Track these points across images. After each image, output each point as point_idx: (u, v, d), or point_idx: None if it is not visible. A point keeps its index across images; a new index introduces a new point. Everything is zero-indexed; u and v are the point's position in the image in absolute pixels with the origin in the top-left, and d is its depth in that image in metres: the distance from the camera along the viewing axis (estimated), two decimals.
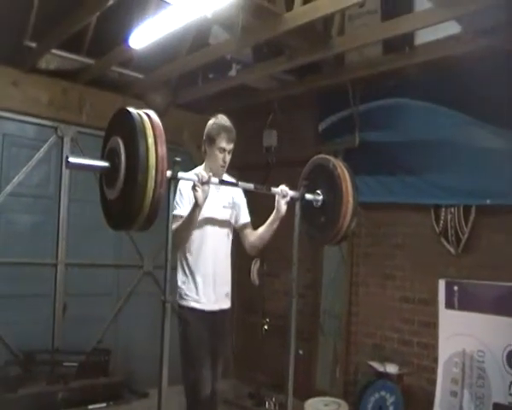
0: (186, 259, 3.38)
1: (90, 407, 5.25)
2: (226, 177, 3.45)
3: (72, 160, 2.47)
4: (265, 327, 5.31)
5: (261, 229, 3.46)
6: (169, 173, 2.51)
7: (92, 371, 5.45)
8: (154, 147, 2.32)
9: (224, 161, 3.37)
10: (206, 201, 3.14)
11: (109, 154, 2.47)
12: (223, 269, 3.48)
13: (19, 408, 4.85)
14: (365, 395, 5.03)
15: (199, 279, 3.35)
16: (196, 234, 3.31)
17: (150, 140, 2.33)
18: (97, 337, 5.80)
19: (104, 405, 5.36)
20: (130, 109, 2.44)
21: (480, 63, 4.37)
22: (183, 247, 3.35)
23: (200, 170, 3.30)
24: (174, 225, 3.05)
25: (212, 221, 3.35)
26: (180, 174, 2.66)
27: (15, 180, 5.34)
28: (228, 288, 3.53)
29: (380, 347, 5.40)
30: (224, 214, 3.45)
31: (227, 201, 3.47)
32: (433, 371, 4.71)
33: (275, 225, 3.38)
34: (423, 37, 4.46)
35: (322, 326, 6.06)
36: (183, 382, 3.33)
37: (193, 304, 3.35)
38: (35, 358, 5.16)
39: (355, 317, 5.69)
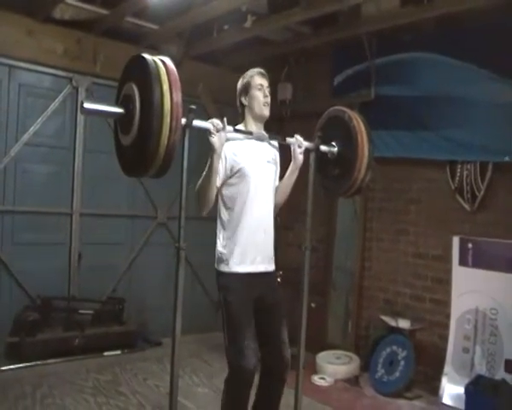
0: (228, 215, 3.13)
1: (106, 353, 5.39)
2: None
3: (87, 105, 2.45)
4: (278, 280, 5.31)
5: (281, 184, 3.34)
6: (184, 121, 2.49)
7: (107, 319, 5.58)
8: (169, 93, 2.30)
9: (266, 96, 3.24)
10: (250, 154, 3.10)
11: (124, 100, 2.45)
12: (269, 230, 3.22)
13: (38, 351, 5.01)
14: (377, 349, 5.09)
15: (244, 239, 3.09)
16: (241, 189, 3.09)
17: (165, 86, 2.30)
18: (112, 286, 5.89)
19: (119, 352, 5.49)
20: (145, 55, 2.41)
21: (499, 16, 4.28)
22: (224, 205, 3.15)
23: (241, 127, 3.22)
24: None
25: (256, 176, 3.13)
26: (195, 122, 2.63)
27: (31, 130, 5.35)
28: (272, 251, 3.27)
29: (392, 302, 5.43)
30: (268, 169, 3.24)
31: (270, 156, 3.26)
32: (446, 327, 4.76)
33: (294, 177, 3.28)
34: None
35: (335, 280, 6.09)
36: (226, 353, 3.09)
37: (236, 268, 3.09)
38: (52, 304, 5.28)
39: (367, 271, 5.72)
